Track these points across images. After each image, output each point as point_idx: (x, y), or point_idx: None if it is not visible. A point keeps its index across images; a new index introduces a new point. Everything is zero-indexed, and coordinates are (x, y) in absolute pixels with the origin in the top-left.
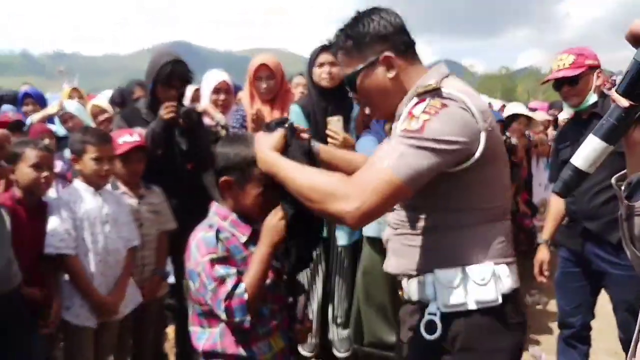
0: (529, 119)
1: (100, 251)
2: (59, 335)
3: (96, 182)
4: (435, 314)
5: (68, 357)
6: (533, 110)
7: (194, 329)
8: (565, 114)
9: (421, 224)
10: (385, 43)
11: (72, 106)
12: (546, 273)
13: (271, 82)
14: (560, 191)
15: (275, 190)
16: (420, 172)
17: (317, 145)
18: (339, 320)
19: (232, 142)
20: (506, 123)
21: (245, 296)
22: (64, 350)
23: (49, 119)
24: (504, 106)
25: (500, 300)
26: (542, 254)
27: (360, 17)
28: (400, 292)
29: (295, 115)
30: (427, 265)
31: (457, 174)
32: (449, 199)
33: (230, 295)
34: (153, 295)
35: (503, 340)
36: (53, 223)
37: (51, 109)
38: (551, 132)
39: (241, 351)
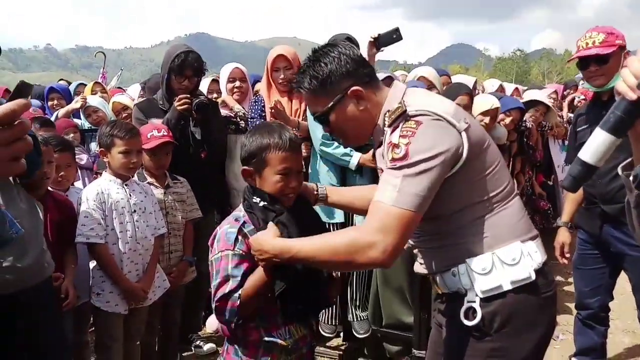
0: (547, 108)
1: (129, 239)
2: (89, 320)
3: (124, 174)
4: (474, 301)
5: (99, 341)
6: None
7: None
8: (580, 95)
9: (440, 228)
10: (350, 78)
11: (95, 101)
12: (567, 255)
13: (288, 72)
14: (569, 186)
15: (295, 178)
16: (423, 194)
17: (324, 191)
18: (357, 303)
19: (252, 133)
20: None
21: (238, 302)
22: (95, 334)
23: (74, 113)
24: (517, 89)
25: (533, 277)
26: (563, 236)
27: (319, 57)
28: (435, 288)
29: None
30: (457, 258)
31: (455, 177)
32: (458, 201)
33: (225, 297)
34: (180, 281)
35: (538, 315)
36: (83, 213)
37: (75, 104)
38: (566, 114)
39: (263, 336)
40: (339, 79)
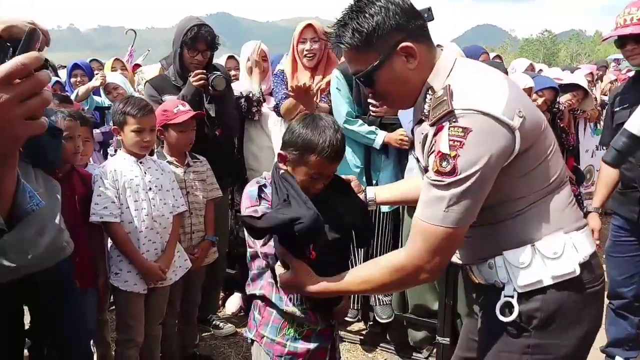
0: (586, 93)
1: (145, 218)
2: (109, 299)
3: (137, 152)
4: (512, 296)
5: (119, 321)
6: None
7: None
8: (611, 76)
9: (481, 218)
10: (400, 32)
11: (116, 78)
12: (597, 242)
13: (315, 45)
14: (612, 161)
15: (323, 181)
16: (470, 208)
17: (372, 194)
18: None
19: (306, 123)
20: (560, 89)
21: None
22: (115, 314)
23: (94, 90)
24: (540, 70)
25: (578, 272)
26: (594, 222)
27: (363, 6)
28: (471, 277)
29: (337, 81)
30: (494, 249)
31: (505, 171)
32: (505, 193)
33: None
34: (203, 262)
35: (582, 311)
36: (97, 192)
37: (95, 81)
38: (599, 96)
39: (272, 296)
40: (387, 33)
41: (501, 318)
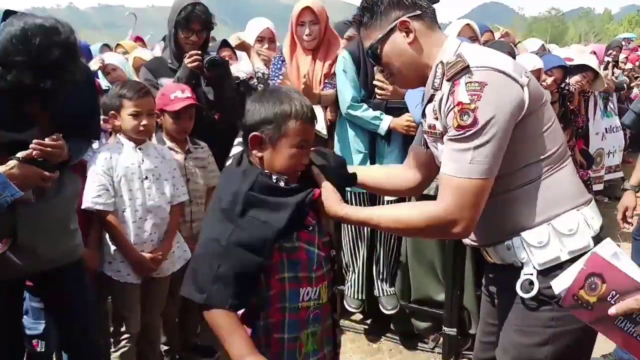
0: (596, 74)
1: (139, 208)
2: (106, 290)
3: (135, 137)
4: (531, 274)
5: (115, 312)
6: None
7: None
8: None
9: (491, 192)
10: (400, 9)
11: (115, 58)
12: (630, 220)
13: (315, 27)
14: (631, 123)
15: (307, 153)
16: (495, 158)
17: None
18: (384, 276)
19: (267, 96)
20: (569, 70)
21: None
22: (112, 304)
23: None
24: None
25: (592, 245)
26: (628, 200)
27: None
28: (486, 257)
29: (344, 61)
30: (511, 230)
31: (512, 133)
32: (513, 161)
33: None
34: None
35: None
36: (90, 178)
37: (93, 65)
38: (611, 75)
39: (286, 320)
40: (388, 10)
41: (523, 295)
